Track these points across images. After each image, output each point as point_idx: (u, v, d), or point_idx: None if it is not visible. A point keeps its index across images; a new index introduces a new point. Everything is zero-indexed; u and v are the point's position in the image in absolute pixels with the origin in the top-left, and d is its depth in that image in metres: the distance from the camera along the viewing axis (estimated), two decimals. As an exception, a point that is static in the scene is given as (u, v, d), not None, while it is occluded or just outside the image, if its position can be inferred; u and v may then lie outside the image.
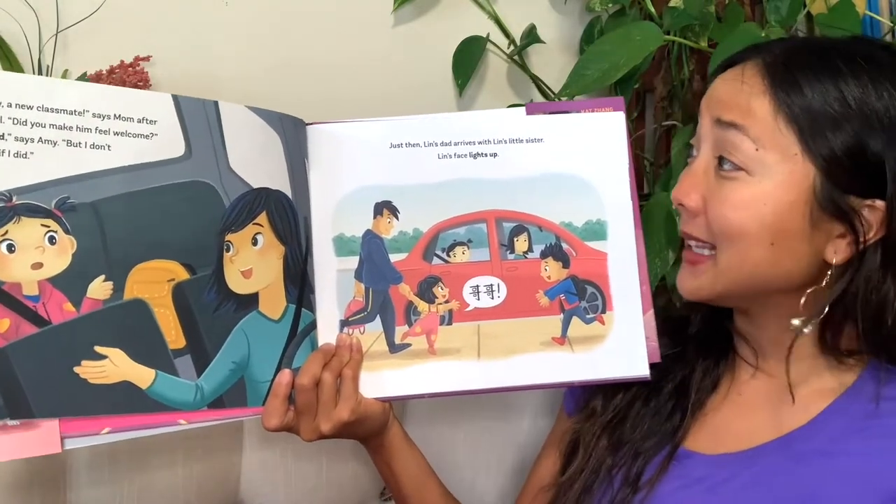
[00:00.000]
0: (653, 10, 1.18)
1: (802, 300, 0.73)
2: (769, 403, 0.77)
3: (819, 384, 0.76)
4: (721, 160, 0.73)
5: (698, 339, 0.83)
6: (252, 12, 1.14)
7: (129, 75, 1.02)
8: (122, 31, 1.07)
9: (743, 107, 0.72)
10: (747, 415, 0.78)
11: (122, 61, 1.03)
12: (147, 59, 1.05)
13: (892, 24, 1.16)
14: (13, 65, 0.99)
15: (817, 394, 0.75)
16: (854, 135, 0.69)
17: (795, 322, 0.73)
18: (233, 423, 0.99)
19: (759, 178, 0.71)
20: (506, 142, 0.85)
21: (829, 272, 0.72)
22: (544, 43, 1.24)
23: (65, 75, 1.03)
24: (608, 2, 1.22)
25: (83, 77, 1.00)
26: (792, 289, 0.74)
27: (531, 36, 1.23)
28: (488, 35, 1.23)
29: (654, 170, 1.33)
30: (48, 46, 1.03)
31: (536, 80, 1.24)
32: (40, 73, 1.01)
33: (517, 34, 1.24)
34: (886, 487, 0.68)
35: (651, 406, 0.81)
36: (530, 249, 0.84)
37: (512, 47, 1.24)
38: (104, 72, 1.02)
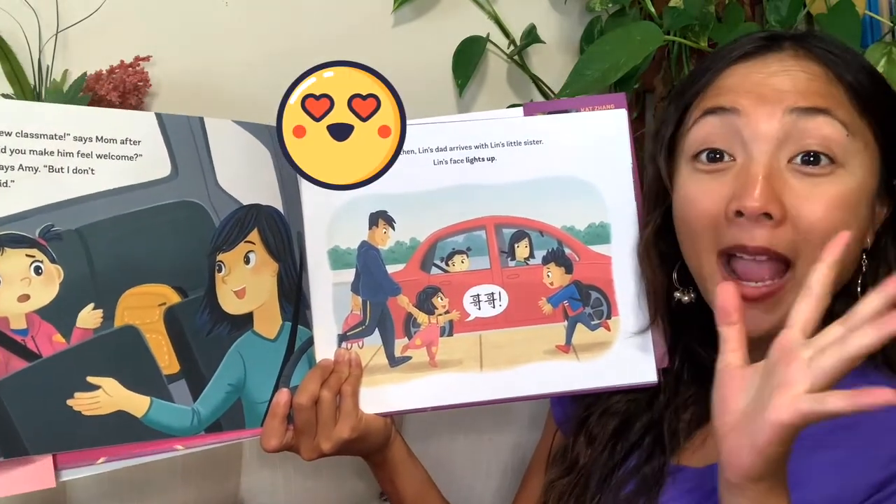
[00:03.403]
0: (653, 10, 1.18)
1: (859, 292, 0.69)
2: None
3: None
4: (807, 157, 0.67)
5: (677, 376, 0.79)
6: (252, 12, 1.14)
7: (129, 75, 1.01)
8: (122, 31, 1.06)
9: (823, 91, 0.68)
10: None
11: (122, 61, 1.02)
12: (147, 59, 1.04)
13: (892, 24, 1.15)
14: (13, 65, 0.98)
15: None
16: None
17: None
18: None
19: (852, 168, 0.67)
20: (503, 145, 0.82)
21: (864, 260, 0.70)
22: (544, 43, 1.23)
23: (65, 75, 1.02)
24: (608, 2, 1.21)
25: (83, 77, 0.99)
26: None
27: (531, 36, 1.22)
28: (488, 35, 1.22)
29: (653, 171, 1.31)
30: (48, 46, 1.01)
31: (536, 80, 1.23)
32: (40, 73, 1.01)
33: (517, 34, 1.23)
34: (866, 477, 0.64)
35: (630, 443, 0.77)
36: (532, 255, 0.82)
37: (512, 47, 1.23)
38: (104, 72, 1.01)
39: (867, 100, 0.69)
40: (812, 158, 0.67)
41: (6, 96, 0.96)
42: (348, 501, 1.06)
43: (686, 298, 0.76)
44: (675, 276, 0.77)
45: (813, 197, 0.67)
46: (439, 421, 0.94)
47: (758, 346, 0.63)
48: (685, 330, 0.78)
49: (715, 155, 0.70)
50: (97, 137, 0.71)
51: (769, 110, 0.68)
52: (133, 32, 1.06)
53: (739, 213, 0.67)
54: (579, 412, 0.83)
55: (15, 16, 1.00)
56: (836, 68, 0.70)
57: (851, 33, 1.04)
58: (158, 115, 0.73)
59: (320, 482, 1.03)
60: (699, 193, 0.70)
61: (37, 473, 0.68)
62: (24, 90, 0.98)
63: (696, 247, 0.71)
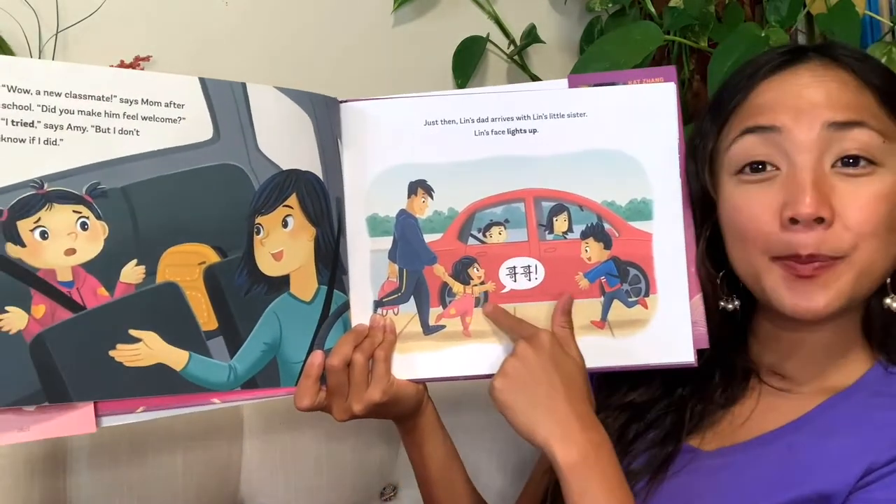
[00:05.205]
0: (653, 10, 1.18)
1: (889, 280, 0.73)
2: (774, 402, 0.77)
3: (826, 381, 0.76)
4: (847, 160, 0.71)
5: (705, 376, 0.81)
6: (252, 12, 1.14)
7: (129, 75, 1.03)
8: (122, 31, 1.08)
9: (854, 104, 0.72)
10: (750, 413, 0.78)
11: (122, 61, 1.04)
12: (147, 59, 1.05)
13: (892, 24, 1.13)
14: (14, 64, 1.01)
15: (821, 390, 0.75)
16: None
17: (888, 301, 0.74)
18: (233, 422, 1.00)
19: (890, 168, 0.72)
20: (546, 117, 0.81)
21: None
22: (544, 43, 1.23)
23: (65, 75, 1.04)
24: (608, 2, 1.21)
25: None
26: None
27: (531, 36, 1.22)
28: (488, 35, 1.22)
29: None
30: (48, 46, 1.03)
31: (536, 81, 1.22)
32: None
33: (517, 34, 1.23)
34: (867, 462, 0.68)
35: (646, 422, 0.81)
36: (570, 230, 0.81)
37: (512, 47, 1.23)
38: (104, 72, 1.03)
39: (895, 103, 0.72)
40: (852, 161, 0.71)
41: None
42: (348, 501, 1.07)
43: (731, 306, 0.79)
44: (719, 283, 0.79)
45: (857, 196, 0.71)
46: (443, 403, 0.94)
47: (812, 327, 0.74)
48: (721, 336, 0.80)
49: (758, 166, 0.74)
50: (143, 100, 0.73)
51: (808, 123, 0.71)
52: (133, 32, 1.08)
53: (794, 220, 0.70)
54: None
55: (15, 16, 1.01)
56: (864, 74, 0.73)
57: (851, 33, 1.04)
58: (202, 80, 0.75)
59: (320, 482, 1.05)
60: (748, 201, 0.74)
61: (79, 419, 0.71)
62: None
63: (749, 252, 0.74)
